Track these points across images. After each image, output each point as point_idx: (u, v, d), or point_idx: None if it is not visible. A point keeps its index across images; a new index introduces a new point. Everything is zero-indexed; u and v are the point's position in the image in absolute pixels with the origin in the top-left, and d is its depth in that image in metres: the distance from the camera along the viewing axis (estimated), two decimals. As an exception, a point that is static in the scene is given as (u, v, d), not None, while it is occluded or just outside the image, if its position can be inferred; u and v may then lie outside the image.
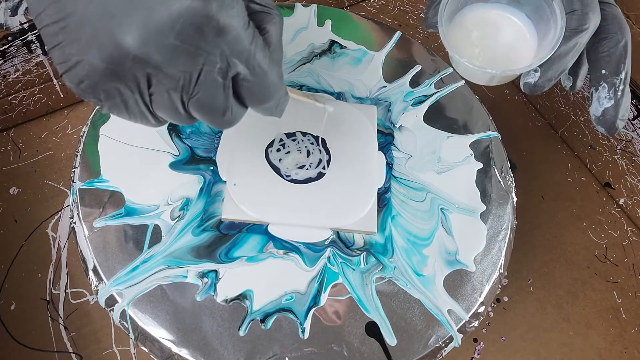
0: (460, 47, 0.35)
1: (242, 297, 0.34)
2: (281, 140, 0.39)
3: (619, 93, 0.33)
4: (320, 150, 0.39)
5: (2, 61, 0.43)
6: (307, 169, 0.38)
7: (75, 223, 0.35)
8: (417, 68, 0.44)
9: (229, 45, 0.24)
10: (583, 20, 0.31)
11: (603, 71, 0.33)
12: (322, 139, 0.39)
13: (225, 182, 0.37)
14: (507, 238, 0.38)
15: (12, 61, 0.44)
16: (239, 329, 0.33)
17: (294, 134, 0.39)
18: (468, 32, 0.36)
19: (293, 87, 0.42)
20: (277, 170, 0.38)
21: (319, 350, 0.33)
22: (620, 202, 0.51)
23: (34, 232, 0.44)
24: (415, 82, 0.44)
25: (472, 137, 0.42)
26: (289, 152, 0.38)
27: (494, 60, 0.35)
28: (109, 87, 0.24)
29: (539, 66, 0.33)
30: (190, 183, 0.37)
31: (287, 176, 0.37)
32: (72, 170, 0.37)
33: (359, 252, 0.36)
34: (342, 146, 0.39)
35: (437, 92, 0.43)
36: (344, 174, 0.38)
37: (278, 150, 0.38)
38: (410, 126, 0.42)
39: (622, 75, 0.33)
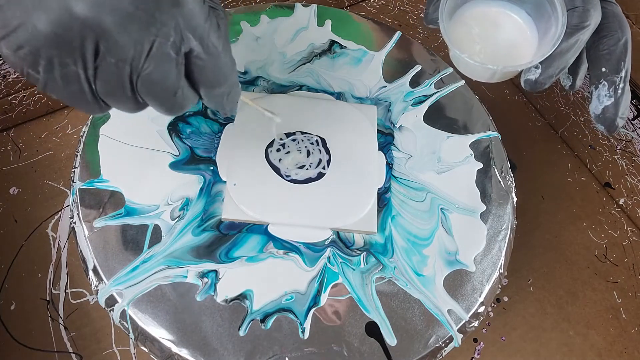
0: (461, 43, 0.35)
1: (242, 297, 0.34)
2: (281, 139, 0.39)
3: (619, 91, 0.33)
4: (320, 150, 0.39)
5: (2, 61, 0.43)
6: (307, 169, 0.38)
7: (75, 223, 0.35)
8: (417, 68, 0.44)
9: (184, 18, 0.24)
10: (584, 17, 0.31)
11: (603, 69, 0.33)
12: (322, 138, 0.39)
13: (225, 182, 0.37)
14: (507, 238, 0.38)
15: (12, 61, 0.44)
16: (239, 329, 0.33)
17: (293, 133, 0.39)
18: (469, 28, 0.36)
19: (293, 87, 0.42)
20: (277, 170, 0.38)
21: (319, 350, 0.33)
22: (620, 202, 0.51)
23: (34, 232, 0.44)
24: (415, 82, 0.44)
25: (472, 137, 0.42)
26: (288, 152, 0.38)
27: (495, 57, 0.35)
28: (50, 55, 0.22)
29: (540, 63, 0.33)
30: (190, 183, 0.37)
31: (287, 176, 0.37)
32: (72, 170, 0.37)
33: (359, 252, 0.36)
34: (342, 146, 0.39)
35: (437, 92, 0.43)
36: (344, 174, 0.38)
37: (278, 150, 0.38)
38: (410, 126, 0.42)
39: (622, 74, 0.32)
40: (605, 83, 0.33)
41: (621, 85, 0.33)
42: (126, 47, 0.23)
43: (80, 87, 0.24)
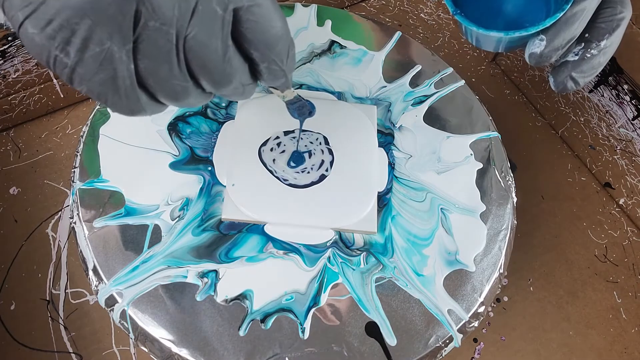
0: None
1: (242, 297, 0.34)
2: (277, 138, 0.39)
3: (588, 55, 0.31)
4: (322, 151, 0.39)
5: (2, 61, 0.43)
6: (308, 172, 0.38)
7: (75, 223, 0.35)
8: (417, 68, 0.44)
9: None
10: None
11: (587, 35, 0.31)
12: (325, 137, 0.39)
13: (222, 183, 0.37)
14: (507, 238, 0.38)
15: (12, 61, 0.44)
16: (239, 329, 0.33)
17: (292, 131, 0.39)
18: None
19: (294, 87, 0.42)
20: (271, 171, 0.37)
21: (319, 350, 0.33)
22: (620, 202, 0.51)
23: (34, 232, 0.44)
24: (415, 82, 0.44)
25: (472, 137, 0.42)
26: (283, 152, 0.38)
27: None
28: (84, 29, 0.20)
29: (545, 34, 0.31)
30: (190, 183, 0.37)
31: (285, 180, 0.37)
32: (72, 170, 0.37)
33: (359, 252, 0.36)
34: (343, 146, 0.39)
35: (437, 92, 0.43)
36: (344, 175, 0.38)
37: (272, 149, 0.38)
38: (410, 126, 0.42)
39: (603, 44, 0.31)
40: (582, 43, 0.32)
41: (593, 52, 0.31)
42: (170, 7, 0.21)
43: (116, 70, 0.21)
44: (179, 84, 0.23)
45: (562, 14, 0.30)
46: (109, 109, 0.23)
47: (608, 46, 0.31)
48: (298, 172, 0.38)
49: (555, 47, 0.31)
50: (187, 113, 0.39)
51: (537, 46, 0.32)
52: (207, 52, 0.23)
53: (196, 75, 0.24)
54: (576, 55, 0.32)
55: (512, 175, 0.41)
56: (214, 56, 0.23)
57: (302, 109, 0.38)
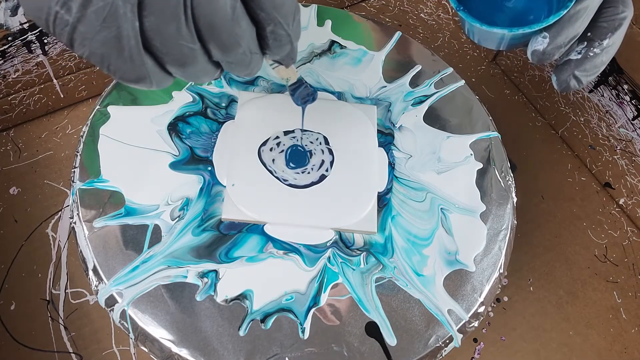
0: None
1: (242, 297, 0.34)
2: (277, 137, 0.39)
3: (591, 54, 0.31)
4: (323, 151, 0.39)
5: (2, 61, 0.43)
6: (308, 172, 0.38)
7: (75, 223, 0.35)
8: (417, 68, 0.44)
9: None
10: None
11: (589, 34, 0.32)
12: (325, 137, 0.39)
13: (222, 183, 0.37)
14: (507, 238, 0.38)
15: (12, 61, 0.44)
16: (239, 329, 0.33)
17: (292, 131, 0.39)
18: None
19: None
20: (270, 171, 0.37)
21: (319, 350, 0.33)
22: (620, 202, 0.51)
23: (34, 232, 0.44)
24: (415, 82, 0.44)
25: (472, 137, 0.42)
26: (282, 151, 0.38)
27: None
28: None
29: (548, 32, 0.31)
30: (190, 183, 0.37)
31: (285, 180, 0.37)
32: (72, 170, 0.37)
33: (359, 252, 0.36)
34: (343, 146, 0.39)
35: (437, 92, 0.43)
36: (344, 175, 0.38)
37: (271, 149, 0.38)
38: (410, 126, 0.42)
39: (605, 42, 0.31)
40: (585, 42, 0.32)
41: (596, 51, 0.31)
42: None
43: (120, 28, 0.20)
44: (187, 45, 0.22)
45: (565, 11, 0.30)
46: (113, 76, 0.22)
47: (610, 45, 0.31)
48: (298, 172, 0.38)
49: (558, 45, 0.31)
50: (187, 113, 0.39)
51: (539, 43, 0.32)
52: (215, 9, 0.22)
53: (204, 37, 0.23)
54: (579, 53, 0.32)
55: (512, 175, 0.41)
56: (222, 13, 0.22)
57: (306, 94, 0.37)
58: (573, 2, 0.30)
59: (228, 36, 0.23)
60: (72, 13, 0.20)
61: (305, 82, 0.37)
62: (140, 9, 0.20)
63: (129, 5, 0.20)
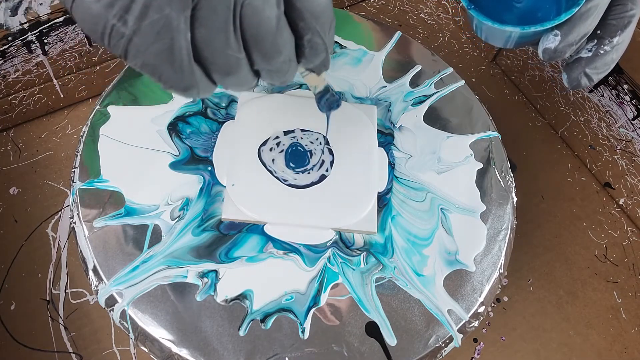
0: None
1: (242, 297, 0.34)
2: (277, 137, 0.39)
3: (601, 51, 0.31)
4: (323, 151, 0.39)
5: (2, 61, 0.43)
6: (308, 172, 0.38)
7: (75, 223, 0.35)
8: (417, 68, 0.44)
9: None
10: None
11: (599, 32, 0.32)
12: (325, 137, 0.39)
13: (222, 183, 0.37)
14: (507, 238, 0.38)
15: (12, 61, 0.44)
16: (239, 329, 0.33)
17: (292, 131, 0.39)
18: None
19: (292, 87, 0.42)
20: (270, 171, 0.37)
21: (319, 350, 0.33)
22: (620, 202, 0.51)
23: (34, 232, 0.44)
24: (415, 82, 0.44)
25: (472, 137, 0.42)
26: (282, 151, 0.38)
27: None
28: None
29: (559, 30, 0.31)
30: (190, 183, 0.37)
31: (285, 180, 0.37)
32: (72, 170, 0.37)
33: (359, 252, 0.36)
34: (343, 146, 0.39)
35: (437, 92, 0.43)
36: (344, 175, 0.38)
37: (271, 149, 0.38)
38: (410, 126, 0.42)
39: (616, 40, 0.31)
40: (595, 40, 0.32)
41: (607, 49, 0.31)
42: None
43: (174, 39, 0.21)
44: (233, 55, 0.23)
45: (577, 9, 0.30)
46: (162, 85, 0.23)
47: (620, 43, 0.32)
48: (298, 173, 0.38)
49: (569, 43, 0.31)
50: (187, 113, 0.39)
51: (551, 41, 0.32)
52: (261, 20, 0.22)
53: (249, 47, 0.23)
54: (589, 51, 0.32)
55: (512, 175, 0.41)
56: (267, 24, 0.23)
57: (332, 101, 0.37)
58: (584, 0, 0.30)
59: (271, 45, 0.24)
60: (128, 26, 0.20)
61: (332, 89, 0.37)
62: (192, 21, 0.21)
63: (183, 18, 0.21)
